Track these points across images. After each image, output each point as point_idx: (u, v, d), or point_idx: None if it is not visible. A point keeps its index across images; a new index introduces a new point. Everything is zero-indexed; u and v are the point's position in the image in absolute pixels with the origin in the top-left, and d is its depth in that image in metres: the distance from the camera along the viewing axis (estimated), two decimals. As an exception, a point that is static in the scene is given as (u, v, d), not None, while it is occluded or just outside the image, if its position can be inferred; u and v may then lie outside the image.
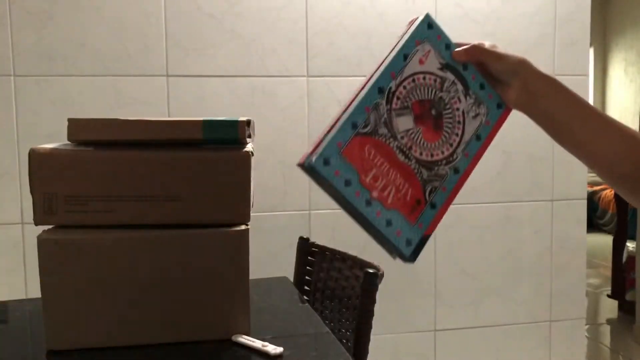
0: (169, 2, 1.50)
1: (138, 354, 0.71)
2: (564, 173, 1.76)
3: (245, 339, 0.77)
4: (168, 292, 0.75)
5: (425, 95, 0.66)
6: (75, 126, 0.73)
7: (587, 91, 1.75)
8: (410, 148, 0.62)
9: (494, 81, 0.69)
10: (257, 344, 0.76)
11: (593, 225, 5.06)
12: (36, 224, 0.72)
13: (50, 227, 0.72)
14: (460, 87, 0.69)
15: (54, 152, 0.72)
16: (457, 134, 0.65)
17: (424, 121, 0.64)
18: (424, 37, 0.70)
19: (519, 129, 1.71)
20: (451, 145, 0.64)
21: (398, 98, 0.64)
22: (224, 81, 1.54)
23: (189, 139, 0.75)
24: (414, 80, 0.66)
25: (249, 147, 0.79)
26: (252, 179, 0.78)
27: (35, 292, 1.48)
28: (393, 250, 0.59)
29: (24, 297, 1.47)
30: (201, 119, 0.75)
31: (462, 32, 1.65)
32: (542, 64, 1.71)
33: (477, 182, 1.71)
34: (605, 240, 4.16)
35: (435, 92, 0.66)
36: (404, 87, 0.65)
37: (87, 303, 0.72)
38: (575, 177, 1.77)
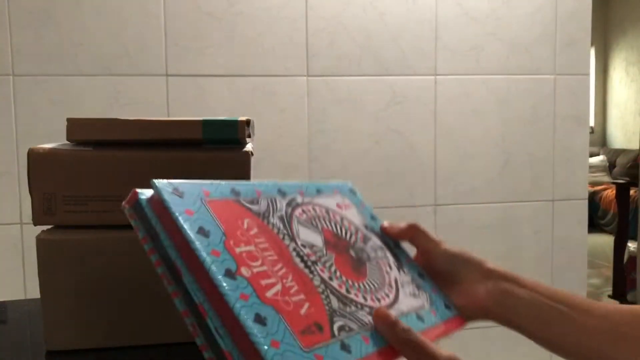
0: (169, 2, 1.50)
1: (137, 355, 0.71)
2: (565, 173, 1.75)
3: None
4: (168, 293, 0.74)
5: (342, 234, 0.54)
6: (75, 126, 0.73)
7: (588, 91, 1.75)
8: (315, 263, 0.47)
9: (435, 276, 0.58)
10: None
11: (594, 225, 5.06)
12: (35, 224, 0.72)
13: (49, 227, 0.72)
14: (390, 257, 0.57)
15: (53, 152, 0.71)
16: (387, 295, 0.50)
17: (338, 253, 0.51)
18: (344, 192, 0.60)
19: (519, 129, 1.70)
20: (378, 300, 0.49)
21: (304, 211, 0.52)
22: (224, 81, 1.54)
23: (189, 138, 0.75)
24: (327, 213, 0.55)
25: (249, 147, 0.78)
26: (251, 178, 0.78)
27: (34, 292, 1.48)
28: None
29: (22, 297, 1.47)
30: (201, 118, 0.75)
31: (462, 31, 1.65)
32: (543, 64, 1.71)
33: (477, 182, 1.70)
34: (606, 241, 4.16)
35: (356, 240, 0.54)
36: (314, 209, 0.53)
37: (86, 303, 0.72)
38: (576, 177, 1.76)
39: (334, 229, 0.53)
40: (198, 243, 0.39)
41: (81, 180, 0.71)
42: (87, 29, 1.47)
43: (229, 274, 0.39)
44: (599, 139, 6.75)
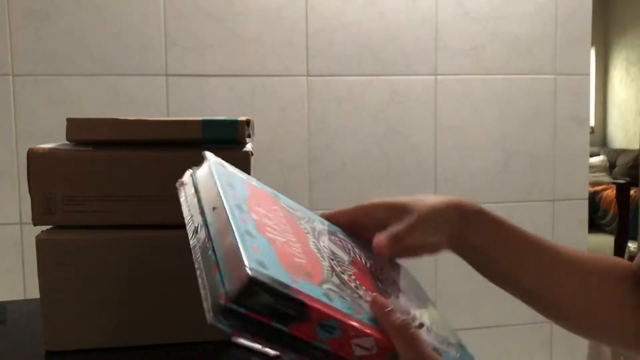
0: (168, 2, 1.50)
1: (137, 355, 0.71)
2: (565, 173, 1.75)
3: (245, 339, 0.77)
4: (168, 293, 0.74)
5: (373, 270, 0.51)
6: (74, 126, 0.73)
7: (588, 91, 1.75)
8: (332, 258, 0.46)
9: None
10: (257, 344, 0.76)
11: (594, 225, 5.06)
12: (35, 224, 0.72)
13: (49, 227, 0.72)
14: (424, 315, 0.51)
15: (53, 152, 0.71)
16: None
17: (363, 275, 0.48)
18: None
19: (519, 129, 1.70)
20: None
21: (338, 239, 0.52)
22: (224, 80, 1.53)
23: (189, 138, 0.75)
24: (354, 251, 0.52)
25: (248, 147, 0.78)
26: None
27: (33, 292, 1.47)
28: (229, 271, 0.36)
29: (22, 297, 1.47)
30: (200, 118, 0.75)
31: (462, 31, 1.65)
32: (543, 64, 1.71)
33: (478, 182, 1.70)
34: (606, 241, 4.16)
35: (386, 280, 0.51)
36: (342, 237, 0.53)
37: (86, 304, 0.72)
38: (576, 177, 1.76)
39: (366, 263, 0.51)
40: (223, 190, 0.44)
41: (81, 180, 0.71)
42: (86, 29, 1.46)
43: (239, 208, 0.42)
44: (599, 139, 6.75)
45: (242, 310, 0.34)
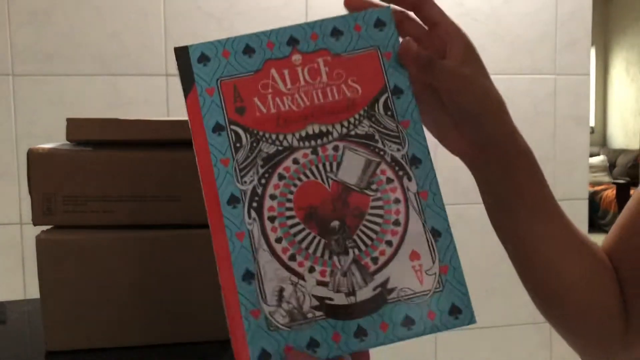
0: (168, 2, 1.50)
1: (137, 355, 0.71)
2: (565, 173, 1.75)
3: (245, 340, 0.77)
4: (168, 293, 0.74)
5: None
6: (74, 126, 0.73)
7: (589, 91, 1.75)
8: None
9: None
10: None
11: (594, 225, 5.06)
12: (35, 224, 0.72)
13: (49, 227, 0.72)
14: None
15: (53, 152, 0.71)
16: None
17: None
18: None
19: (519, 129, 1.70)
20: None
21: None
22: (224, 81, 1.54)
23: (189, 138, 0.75)
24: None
25: (249, 147, 0.78)
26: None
27: (33, 292, 1.48)
28: None
29: (22, 297, 1.47)
30: (201, 118, 0.74)
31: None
32: (543, 64, 1.71)
33: (478, 182, 1.70)
34: (606, 240, 4.15)
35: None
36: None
37: (86, 304, 0.72)
38: (576, 177, 1.76)
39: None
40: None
41: (81, 181, 0.70)
42: (87, 29, 1.46)
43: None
44: (599, 139, 6.75)
45: None
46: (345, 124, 0.42)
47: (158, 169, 0.72)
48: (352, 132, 0.42)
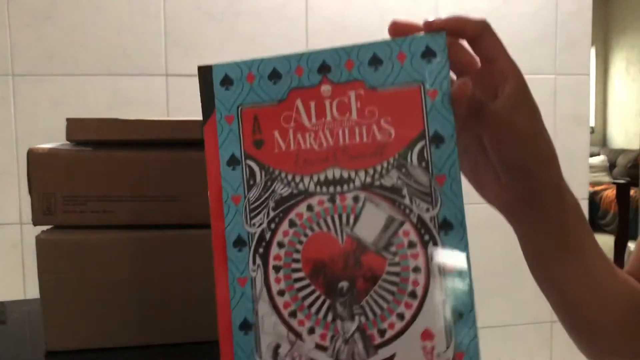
0: (169, 2, 1.50)
1: (137, 355, 0.71)
2: (565, 173, 1.74)
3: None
4: (168, 293, 0.74)
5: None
6: (74, 126, 0.73)
7: (589, 91, 1.75)
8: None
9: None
10: (257, 345, 0.75)
11: (594, 225, 5.06)
12: (35, 224, 0.72)
13: (49, 227, 0.72)
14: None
15: (53, 152, 0.71)
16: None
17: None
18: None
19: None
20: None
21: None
22: (224, 81, 1.54)
23: (189, 138, 0.75)
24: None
25: (248, 147, 0.78)
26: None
27: (33, 292, 1.48)
28: None
29: (22, 297, 1.47)
30: (201, 118, 0.74)
31: (463, 31, 1.65)
32: (543, 64, 1.71)
33: (478, 182, 1.70)
34: (606, 241, 4.15)
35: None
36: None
37: (86, 304, 0.72)
38: (576, 177, 1.76)
39: None
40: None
41: (81, 181, 0.70)
42: (87, 29, 1.46)
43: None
44: (599, 139, 6.75)
45: None
46: (371, 171, 0.37)
47: (158, 169, 0.72)
48: (377, 183, 0.37)
